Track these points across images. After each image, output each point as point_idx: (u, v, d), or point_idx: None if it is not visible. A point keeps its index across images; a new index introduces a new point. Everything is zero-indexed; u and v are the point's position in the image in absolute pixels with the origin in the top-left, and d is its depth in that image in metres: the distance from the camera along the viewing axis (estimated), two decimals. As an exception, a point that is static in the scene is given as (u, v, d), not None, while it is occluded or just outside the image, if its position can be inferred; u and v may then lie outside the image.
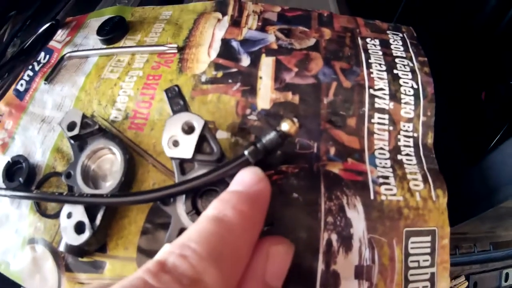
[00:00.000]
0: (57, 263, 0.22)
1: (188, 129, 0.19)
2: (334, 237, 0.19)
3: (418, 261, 0.20)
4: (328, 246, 0.19)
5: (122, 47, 0.28)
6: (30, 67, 0.31)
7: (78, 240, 0.20)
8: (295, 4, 0.29)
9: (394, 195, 0.21)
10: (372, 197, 0.20)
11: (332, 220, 0.20)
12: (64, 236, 0.20)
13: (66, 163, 0.24)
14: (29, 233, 0.23)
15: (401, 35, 0.27)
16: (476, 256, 0.35)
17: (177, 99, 0.20)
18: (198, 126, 0.19)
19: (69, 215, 0.20)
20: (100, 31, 0.28)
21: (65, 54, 0.29)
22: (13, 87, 0.30)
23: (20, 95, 0.29)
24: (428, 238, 0.20)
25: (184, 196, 0.19)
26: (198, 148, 0.19)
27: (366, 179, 0.21)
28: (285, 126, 0.17)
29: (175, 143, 0.19)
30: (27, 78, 0.30)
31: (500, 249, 0.36)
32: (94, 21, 0.31)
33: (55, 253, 0.23)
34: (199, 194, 0.19)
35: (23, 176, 0.24)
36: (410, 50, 0.26)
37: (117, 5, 0.35)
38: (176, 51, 0.25)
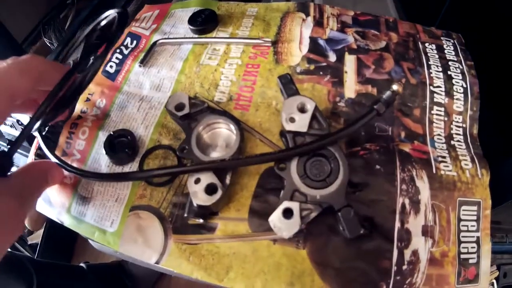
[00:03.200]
0: (164, 227, 0.27)
1: (302, 109, 0.26)
2: (407, 201, 0.27)
3: (467, 226, 0.27)
4: (402, 208, 0.26)
5: (217, 37, 0.34)
6: (118, 50, 0.36)
7: (211, 200, 0.24)
8: (362, 9, 0.36)
9: (450, 170, 0.28)
10: (434, 171, 0.28)
11: (405, 187, 0.27)
12: (195, 200, 0.24)
13: (173, 137, 0.30)
14: (133, 201, 0.27)
15: (452, 41, 0.35)
16: (508, 246, 0.40)
17: (290, 85, 0.27)
18: (311, 106, 0.26)
19: (197, 181, 0.25)
20: (192, 22, 0.34)
21: (157, 41, 0.35)
22: (101, 69, 0.35)
23: (111, 76, 0.34)
24: (475, 208, 0.27)
25: (296, 162, 0.25)
26: (309, 124, 0.26)
27: (429, 157, 0.28)
28: (395, 86, 0.25)
29: (292, 120, 0.26)
30: (116, 61, 0.35)
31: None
32: (180, 12, 0.37)
33: (161, 218, 0.27)
34: (307, 161, 0.25)
35: (129, 148, 0.29)
36: (460, 55, 0.34)
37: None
38: (270, 44, 0.32)
